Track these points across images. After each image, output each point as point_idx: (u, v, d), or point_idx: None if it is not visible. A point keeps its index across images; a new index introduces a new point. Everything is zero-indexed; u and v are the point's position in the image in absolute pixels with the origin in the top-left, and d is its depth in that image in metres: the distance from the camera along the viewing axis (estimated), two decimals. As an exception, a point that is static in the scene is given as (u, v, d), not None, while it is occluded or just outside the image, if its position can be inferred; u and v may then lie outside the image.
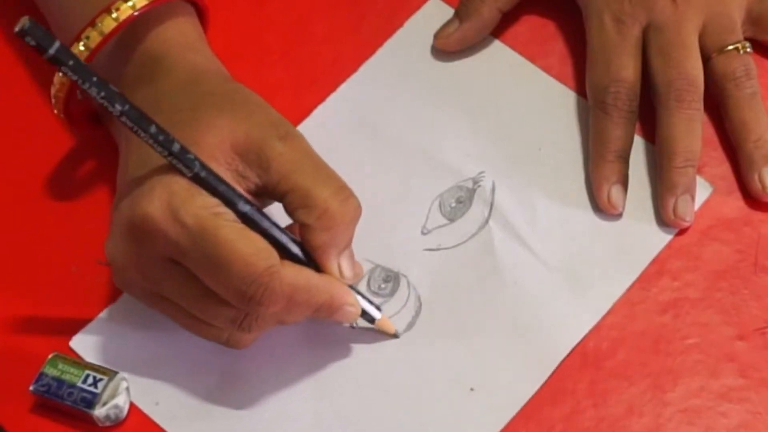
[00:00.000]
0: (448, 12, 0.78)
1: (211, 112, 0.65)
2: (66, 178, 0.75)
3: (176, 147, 0.62)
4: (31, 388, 0.67)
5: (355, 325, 0.69)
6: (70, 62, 0.60)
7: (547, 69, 0.77)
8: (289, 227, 0.66)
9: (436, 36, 0.77)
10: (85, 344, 0.69)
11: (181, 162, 0.63)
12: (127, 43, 0.70)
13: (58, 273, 0.72)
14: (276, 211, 0.66)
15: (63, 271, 0.72)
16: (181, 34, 0.71)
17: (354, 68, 0.77)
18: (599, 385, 0.68)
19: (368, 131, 0.75)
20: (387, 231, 0.72)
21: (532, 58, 0.77)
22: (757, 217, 0.72)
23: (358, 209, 0.66)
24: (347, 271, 0.66)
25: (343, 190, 0.65)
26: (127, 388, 0.67)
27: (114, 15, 0.68)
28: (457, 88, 0.76)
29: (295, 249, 0.65)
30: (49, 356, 0.68)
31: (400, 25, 0.78)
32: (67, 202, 0.74)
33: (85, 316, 0.70)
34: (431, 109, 0.76)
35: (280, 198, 0.65)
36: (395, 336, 0.69)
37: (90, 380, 0.67)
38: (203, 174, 0.63)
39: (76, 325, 0.70)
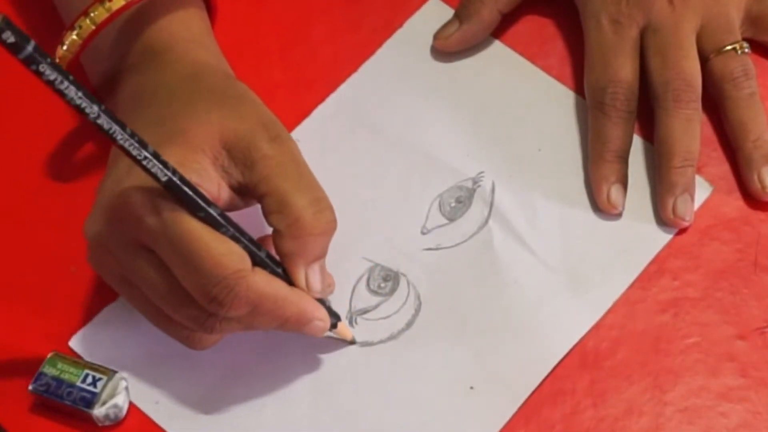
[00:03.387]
0: (448, 12, 0.78)
1: (206, 106, 0.65)
2: (66, 177, 0.75)
3: (150, 150, 0.61)
4: (30, 387, 0.67)
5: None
6: (48, 60, 0.57)
7: (546, 69, 0.77)
8: (261, 239, 0.66)
9: (436, 37, 0.77)
10: (84, 344, 0.69)
11: (156, 166, 0.61)
12: (131, 33, 0.70)
13: (57, 273, 0.71)
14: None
15: (62, 270, 0.71)
16: (186, 29, 0.71)
17: (354, 68, 0.77)
18: (599, 384, 0.68)
19: (368, 131, 0.75)
20: (387, 230, 0.72)
21: (531, 59, 0.77)
22: (757, 216, 0.72)
23: (331, 222, 0.65)
24: (314, 283, 0.65)
25: (319, 202, 0.65)
26: (127, 388, 0.67)
27: (106, 5, 0.68)
28: (457, 89, 0.76)
29: (266, 258, 0.64)
30: (48, 355, 0.68)
31: (400, 25, 0.78)
32: (66, 202, 0.74)
33: (85, 316, 0.70)
34: (431, 109, 0.76)
35: (259, 199, 0.65)
36: (352, 342, 0.69)
37: (89, 380, 0.67)
38: (176, 179, 0.61)
39: (75, 325, 0.70)
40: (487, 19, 0.77)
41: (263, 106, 0.67)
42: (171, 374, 0.68)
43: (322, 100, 0.76)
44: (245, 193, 0.65)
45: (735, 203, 0.73)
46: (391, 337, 0.69)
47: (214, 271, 0.61)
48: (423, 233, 0.72)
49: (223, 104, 0.66)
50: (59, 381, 0.67)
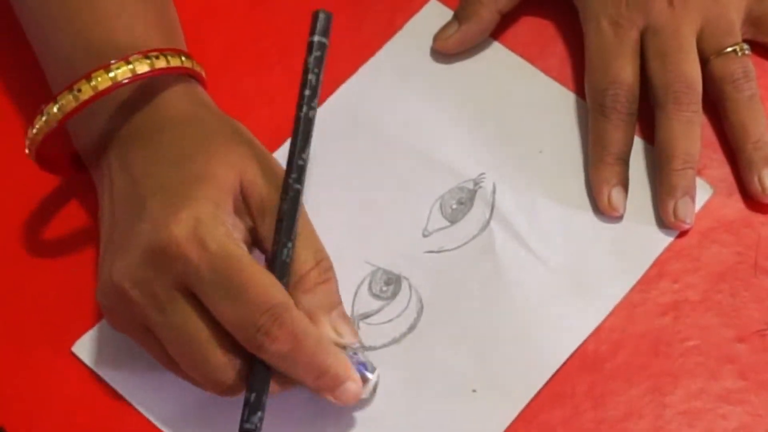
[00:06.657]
0: (448, 14, 0.78)
1: (223, 147, 0.65)
2: (67, 180, 0.74)
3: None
4: None
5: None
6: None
7: (547, 71, 0.77)
8: None
9: (436, 38, 0.77)
10: (87, 349, 0.69)
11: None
12: (130, 104, 0.68)
13: (60, 277, 0.71)
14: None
15: (65, 275, 0.71)
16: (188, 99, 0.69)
17: (354, 69, 0.77)
18: (599, 387, 0.68)
19: (368, 133, 0.75)
20: (388, 233, 0.72)
21: (531, 60, 0.77)
22: (757, 219, 0.72)
23: (330, 271, 0.65)
24: (342, 327, 0.65)
25: (318, 254, 0.65)
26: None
27: (74, 94, 0.66)
28: (457, 90, 0.76)
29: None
30: None
31: (400, 26, 0.78)
32: (69, 206, 0.74)
33: (88, 321, 0.70)
34: (431, 111, 0.76)
35: (265, 251, 0.65)
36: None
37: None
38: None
39: (78, 329, 0.70)
40: (486, 19, 0.77)
41: (269, 153, 0.67)
42: (174, 378, 0.68)
43: (322, 101, 0.76)
44: (249, 242, 0.65)
45: (735, 205, 0.73)
46: (394, 341, 0.69)
47: (262, 299, 0.61)
48: (424, 235, 0.72)
49: (238, 147, 0.66)
50: None
